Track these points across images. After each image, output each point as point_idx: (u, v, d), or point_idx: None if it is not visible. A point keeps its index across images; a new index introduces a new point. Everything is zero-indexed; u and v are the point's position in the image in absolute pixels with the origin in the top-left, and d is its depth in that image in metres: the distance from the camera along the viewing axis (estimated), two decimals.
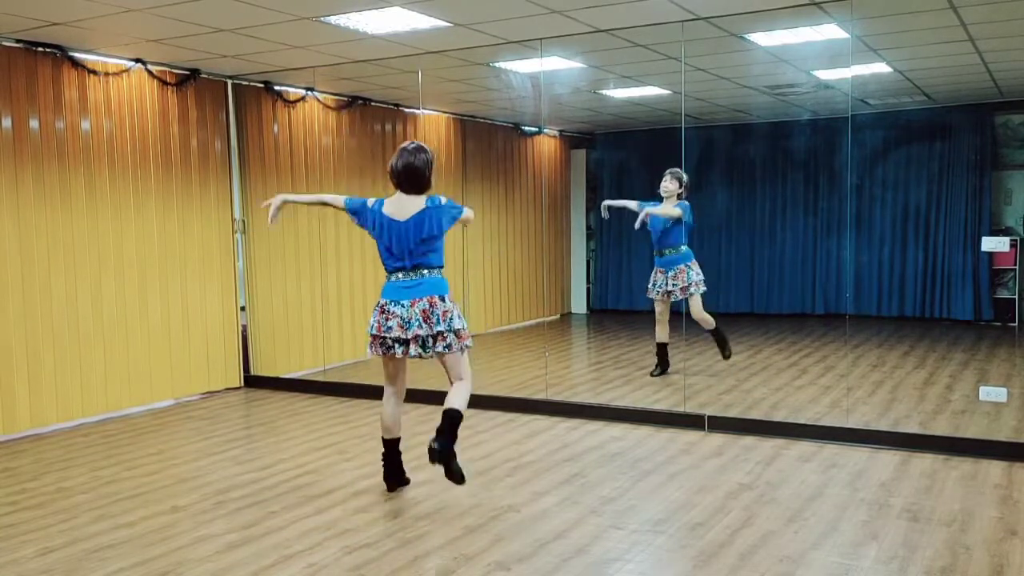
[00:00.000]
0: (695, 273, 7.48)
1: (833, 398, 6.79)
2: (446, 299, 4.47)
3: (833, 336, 9.88)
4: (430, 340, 4.42)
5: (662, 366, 7.79)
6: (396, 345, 4.47)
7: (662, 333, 7.74)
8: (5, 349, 6.07)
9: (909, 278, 10.90)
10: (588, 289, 12.75)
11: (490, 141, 10.99)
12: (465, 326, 4.54)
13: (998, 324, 10.41)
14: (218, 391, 7.64)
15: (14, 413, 6.13)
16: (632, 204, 7.64)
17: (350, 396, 7.40)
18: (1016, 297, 10.37)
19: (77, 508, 4.62)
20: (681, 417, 6.16)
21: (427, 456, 4.35)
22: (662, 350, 7.80)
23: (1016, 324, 10.31)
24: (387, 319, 4.45)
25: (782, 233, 11.39)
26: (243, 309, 7.94)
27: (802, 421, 5.98)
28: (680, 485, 4.80)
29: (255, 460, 5.49)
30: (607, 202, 7.85)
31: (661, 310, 7.67)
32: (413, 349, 4.42)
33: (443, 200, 4.54)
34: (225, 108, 7.69)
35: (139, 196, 6.93)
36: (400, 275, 4.48)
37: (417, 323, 4.40)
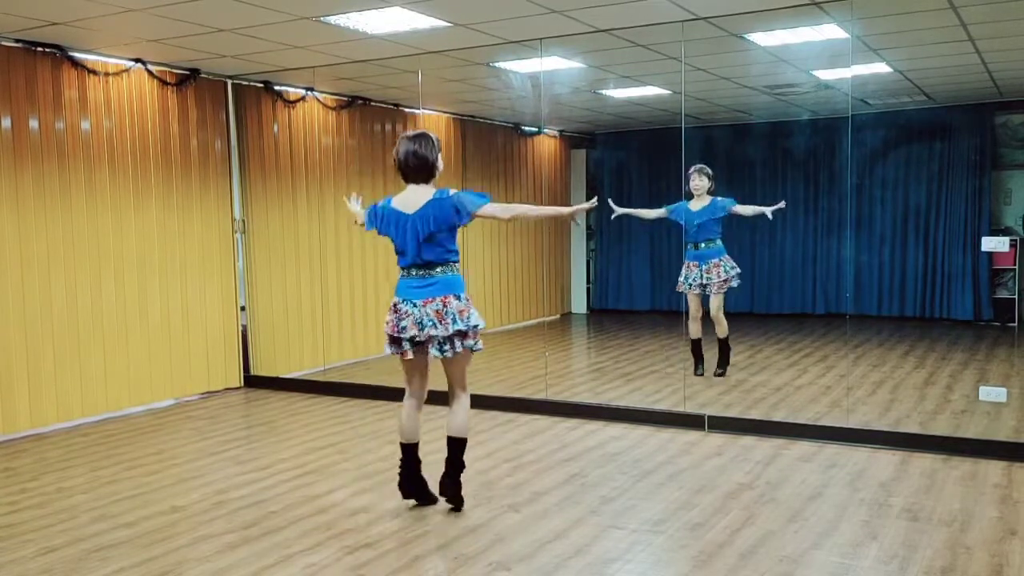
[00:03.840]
0: (730, 267, 7.50)
1: (833, 398, 6.79)
2: (461, 297, 4.26)
3: (833, 336, 9.88)
4: (447, 341, 4.22)
5: (700, 362, 7.74)
6: (408, 345, 4.28)
7: (696, 330, 7.66)
8: (5, 349, 6.07)
9: (909, 278, 10.91)
10: (588, 289, 12.76)
11: (490, 141, 10.99)
12: (482, 325, 4.33)
13: (998, 324, 10.41)
14: (218, 391, 7.64)
15: (14, 413, 6.13)
16: (648, 212, 7.77)
17: (350, 396, 7.40)
18: (1016, 297, 10.37)
19: (77, 508, 4.62)
20: (681, 417, 6.16)
21: (439, 485, 4.45)
22: (696, 346, 7.73)
23: (1016, 324, 10.31)
24: (400, 319, 4.28)
25: (782, 233, 11.39)
26: (243, 309, 7.94)
27: (802, 421, 5.98)
28: (680, 485, 4.80)
29: (255, 460, 5.49)
30: (619, 210, 7.77)
31: (696, 307, 7.60)
32: (430, 350, 4.25)
33: (453, 191, 4.25)
34: (225, 108, 7.69)
35: (139, 196, 6.93)
36: (413, 272, 4.27)
37: (432, 323, 4.19)
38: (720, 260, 7.50)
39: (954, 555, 3.75)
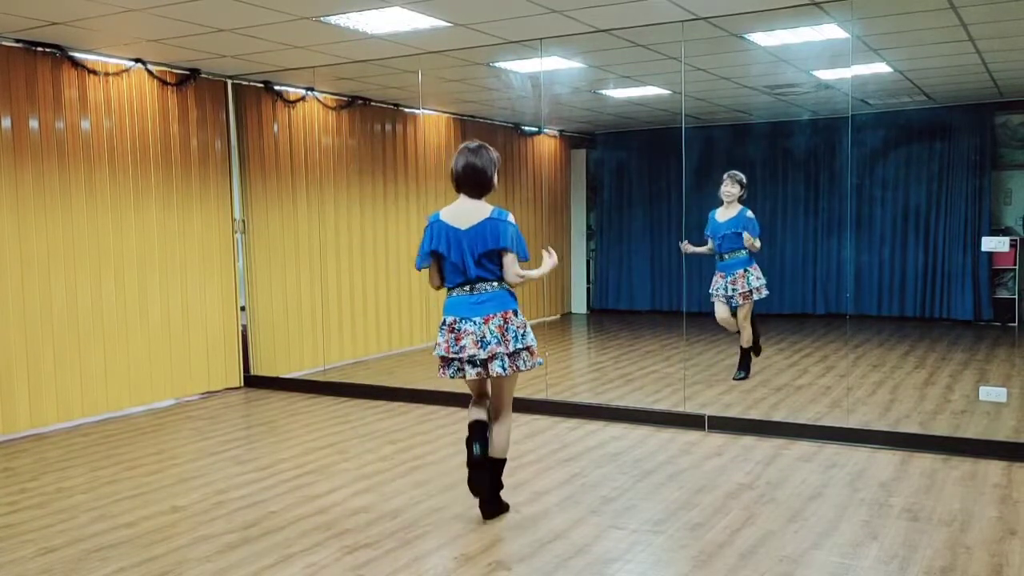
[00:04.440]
0: (755, 278, 7.32)
1: (833, 398, 6.79)
2: (519, 314, 4.14)
3: (833, 336, 9.88)
4: (507, 358, 4.08)
5: (749, 361, 7.62)
6: (469, 366, 4.11)
7: (728, 325, 7.52)
8: (5, 349, 6.07)
9: (909, 278, 10.91)
10: (588, 289, 12.76)
11: (490, 141, 10.86)
12: (535, 342, 4.20)
13: (998, 324, 10.41)
14: (218, 391, 7.64)
15: (14, 413, 6.13)
16: (705, 248, 7.52)
17: (350, 396, 7.40)
18: (1016, 297, 10.37)
19: (77, 508, 4.62)
20: (681, 417, 6.16)
21: (470, 491, 4.26)
22: (747, 351, 7.58)
23: (1016, 324, 10.31)
24: (458, 339, 4.09)
25: (782, 233, 11.39)
26: (243, 309, 7.94)
27: (802, 421, 5.98)
28: (680, 485, 4.80)
29: (255, 460, 5.49)
30: (688, 249, 7.55)
31: (722, 310, 7.42)
32: (492, 367, 4.06)
33: (511, 219, 4.12)
34: (225, 108, 7.69)
35: (139, 196, 6.93)
36: (466, 288, 4.10)
37: (496, 340, 4.05)
38: (745, 271, 7.29)
39: (954, 555, 3.75)
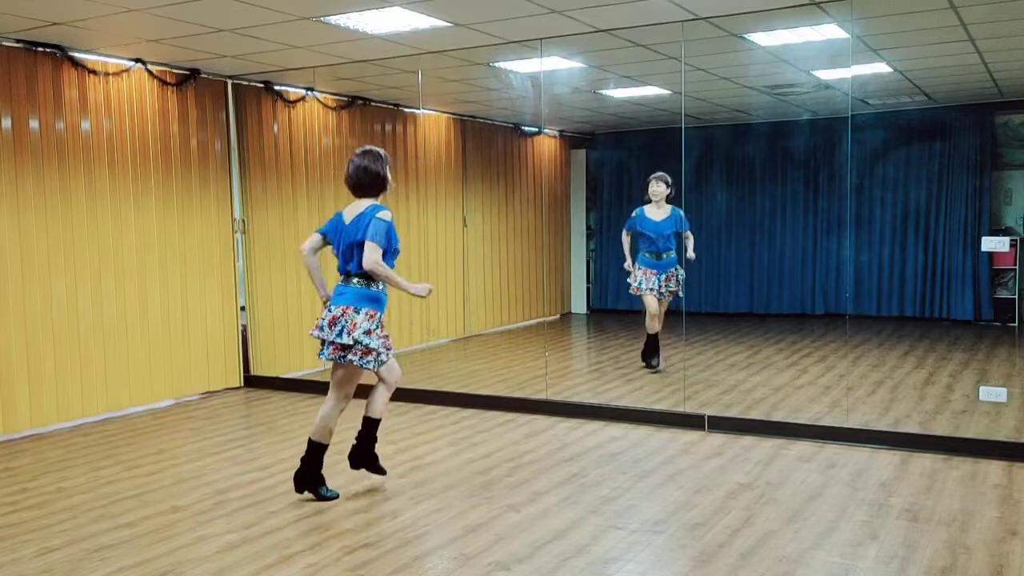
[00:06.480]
0: (682, 276, 7.78)
1: (833, 398, 6.79)
2: (360, 311, 4.41)
3: (833, 336, 9.88)
4: (340, 349, 4.43)
5: (656, 356, 8.04)
6: (322, 347, 4.52)
7: (654, 326, 7.90)
8: (5, 349, 6.07)
9: (909, 278, 10.91)
10: (588, 289, 12.75)
11: (490, 141, 10.98)
12: (372, 345, 4.39)
13: (998, 324, 10.41)
14: (218, 391, 7.64)
15: (14, 413, 6.13)
16: (627, 244, 7.98)
17: None
18: (1016, 297, 10.37)
19: (77, 508, 4.62)
20: (681, 417, 6.16)
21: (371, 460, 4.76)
22: (655, 341, 8.01)
23: (1016, 324, 10.31)
24: (322, 320, 4.50)
25: (782, 233, 11.39)
26: (243, 309, 7.94)
27: (802, 421, 5.99)
28: (680, 485, 4.80)
29: (255, 460, 5.49)
30: (630, 266, 7.99)
31: (655, 305, 7.81)
32: (327, 352, 4.46)
33: (382, 215, 4.39)
34: (225, 108, 7.68)
35: (139, 196, 6.93)
36: (341, 279, 4.53)
37: (328, 328, 4.44)
38: (676, 269, 7.73)
39: (954, 555, 3.75)
